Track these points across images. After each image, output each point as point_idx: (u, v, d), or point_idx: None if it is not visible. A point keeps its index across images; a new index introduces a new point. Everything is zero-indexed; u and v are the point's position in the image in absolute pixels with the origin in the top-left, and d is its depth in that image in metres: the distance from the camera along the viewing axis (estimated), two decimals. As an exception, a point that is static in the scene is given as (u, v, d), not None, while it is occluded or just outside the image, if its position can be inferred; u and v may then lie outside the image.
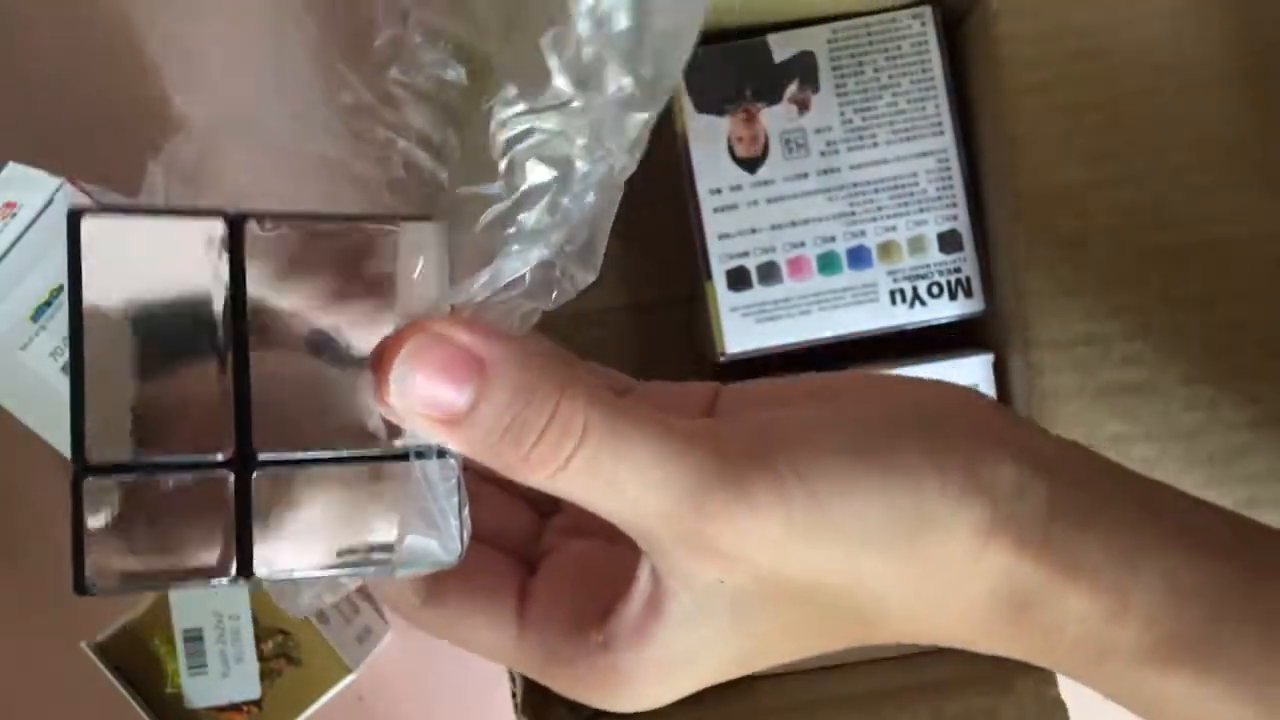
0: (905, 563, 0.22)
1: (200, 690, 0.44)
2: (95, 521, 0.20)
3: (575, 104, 0.20)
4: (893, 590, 0.22)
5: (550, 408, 0.20)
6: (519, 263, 0.21)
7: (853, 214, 0.41)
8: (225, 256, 0.21)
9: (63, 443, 0.32)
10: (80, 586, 0.20)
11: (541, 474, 0.21)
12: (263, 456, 0.21)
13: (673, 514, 0.21)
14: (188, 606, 0.44)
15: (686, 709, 0.26)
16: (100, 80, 0.49)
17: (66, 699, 0.47)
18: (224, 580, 0.21)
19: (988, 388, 0.40)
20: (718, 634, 0.23)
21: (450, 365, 0.20)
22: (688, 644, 0.23)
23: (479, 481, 0.24)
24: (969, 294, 0.41)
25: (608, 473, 0.21)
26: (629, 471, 0.21)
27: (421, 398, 0.20)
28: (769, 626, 0.23)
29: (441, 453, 0.22)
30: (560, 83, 0.20)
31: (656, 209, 0.49)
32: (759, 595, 0.22)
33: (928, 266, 0.41)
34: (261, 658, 0.44)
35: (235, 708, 0.44)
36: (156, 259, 0.21)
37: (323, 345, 0.21)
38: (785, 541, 0.21)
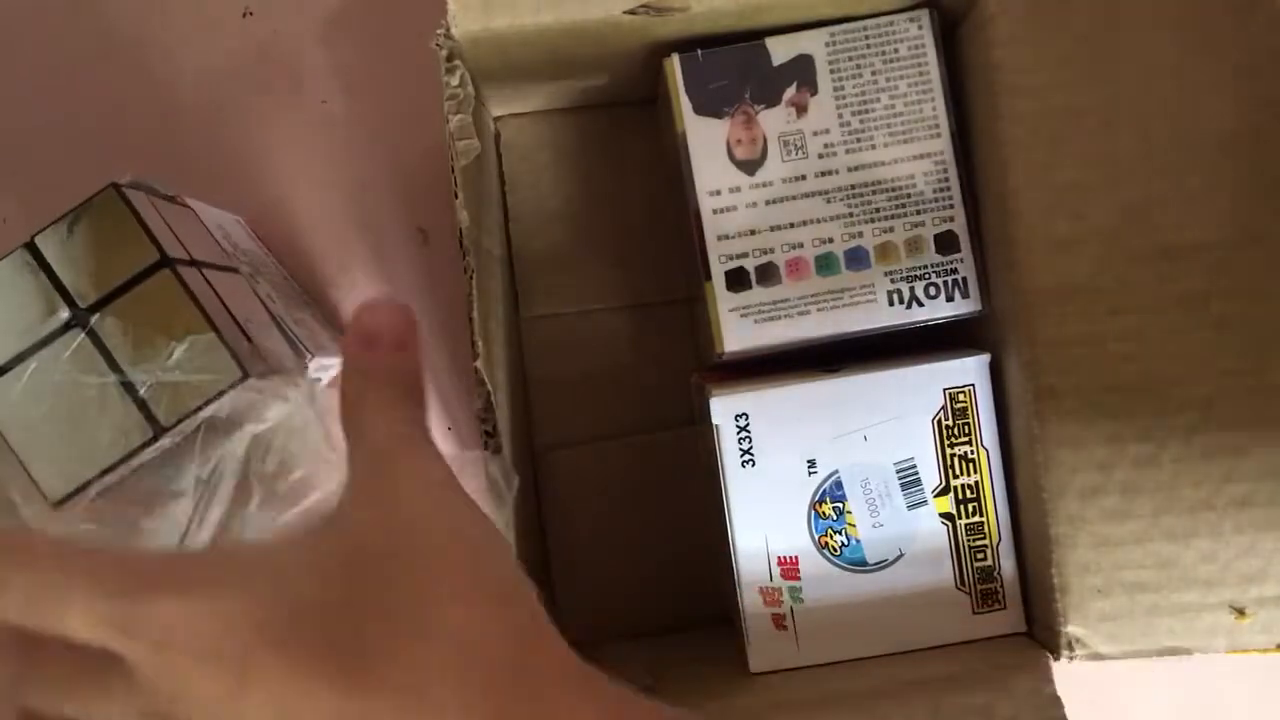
0: None
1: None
2: None
3: None
4: None
5: None
6: None
7: (850, 215, 0.41)
8: None
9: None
10: None
11: None
12: None
13: None
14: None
15: (686, 704, 0.27)
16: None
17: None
18: None
19: (984, 387, 0.41)
20: None
21: None
22: None
23: None
24: (965, 294, 0.41)
25: None
26: None
27: None
28: None
29: None
30: None
31: (656, 210, 0.50)
32: None
33: (925, 267, 0.41)
34: None
35: None
36: None
37: None
38: None
